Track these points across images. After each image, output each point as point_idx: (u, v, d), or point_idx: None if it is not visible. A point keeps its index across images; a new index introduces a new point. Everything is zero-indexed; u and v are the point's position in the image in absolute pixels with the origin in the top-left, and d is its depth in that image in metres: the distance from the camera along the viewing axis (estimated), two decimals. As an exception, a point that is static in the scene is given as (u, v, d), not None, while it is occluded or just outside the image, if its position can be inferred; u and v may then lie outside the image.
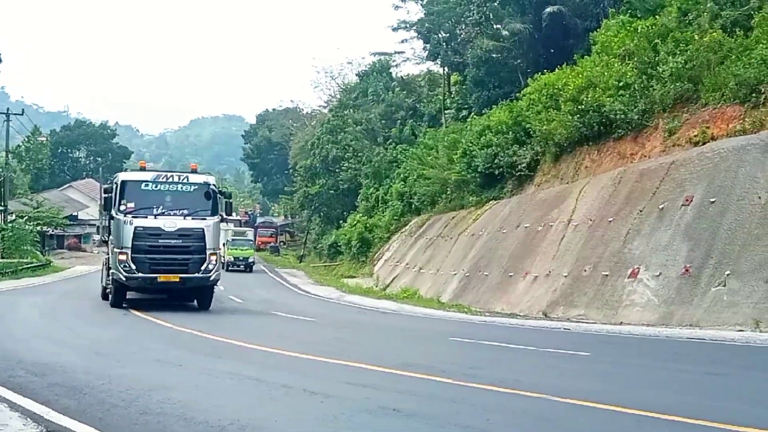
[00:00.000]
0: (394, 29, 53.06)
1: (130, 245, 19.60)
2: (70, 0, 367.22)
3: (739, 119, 21.02)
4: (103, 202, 21.53)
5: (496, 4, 39.12)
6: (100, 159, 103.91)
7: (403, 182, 46.11)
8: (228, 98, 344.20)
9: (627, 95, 25.21)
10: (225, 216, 22.41)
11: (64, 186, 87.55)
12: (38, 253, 52.29)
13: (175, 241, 19.95)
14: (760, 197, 17.81)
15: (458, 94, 48.11)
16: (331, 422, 7.10)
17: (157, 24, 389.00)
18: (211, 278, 20.60)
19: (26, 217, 54.26)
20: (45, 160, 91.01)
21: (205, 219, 20.35)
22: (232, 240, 51.97)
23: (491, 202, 32.84)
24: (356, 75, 67.19)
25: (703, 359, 12.57)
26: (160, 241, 19.83)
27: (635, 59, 25.83)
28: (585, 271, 21.96)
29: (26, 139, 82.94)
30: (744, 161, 19.15)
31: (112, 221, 20.40)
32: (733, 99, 21.46)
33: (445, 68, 50.55)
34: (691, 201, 19.87)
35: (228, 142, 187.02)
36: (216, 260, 20.55)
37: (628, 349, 14.64)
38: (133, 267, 19.58)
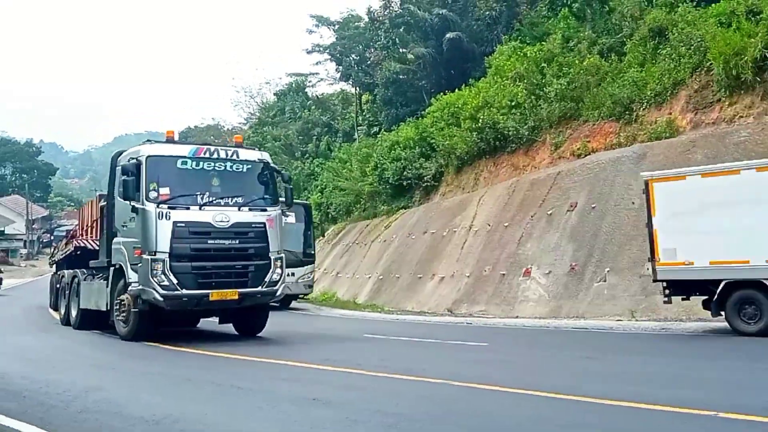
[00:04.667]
0: (309, 52, 53.01)
1: (167, 249, 13.18)
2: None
3: (615, 134, 22.24)
4: (121, 189, 13.82)
5: (401, 30, 39.91)
6: (26, 176, 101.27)
7: (320, 193, 46.23)
8: (151, 116, 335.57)
9: (518, 113, 26.18)
10: (287, 207, 16.01)
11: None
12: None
13: (230, 241, 13.78)
14: (633, 202, 18.89)
15: (369, 111, 48.57)
16: (257, 412, 7.35)
17: (83, 40, 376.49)
18: (278, 293, 14.62)
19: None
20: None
21: (265, 210, 14.37)
22: None
23: (401, 210, 33.40)
24: (274, 94, 66.77)
25: (584, 346, 13.42)
26: (209, 242, 13.59)
27: (525, 81, 26.81)
28: (485, 271, 22.72)
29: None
30: (620, 171, 20.30)
31: (135, 214, 13.64)
32: (610, 116, 22.69)
33: (357, 88, 50.93)
34: (575, 207, 20.90)
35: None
36: (282, 267, 14.50)
37: (522, 339, 15.45)
38: (174, 281, 13.19)
